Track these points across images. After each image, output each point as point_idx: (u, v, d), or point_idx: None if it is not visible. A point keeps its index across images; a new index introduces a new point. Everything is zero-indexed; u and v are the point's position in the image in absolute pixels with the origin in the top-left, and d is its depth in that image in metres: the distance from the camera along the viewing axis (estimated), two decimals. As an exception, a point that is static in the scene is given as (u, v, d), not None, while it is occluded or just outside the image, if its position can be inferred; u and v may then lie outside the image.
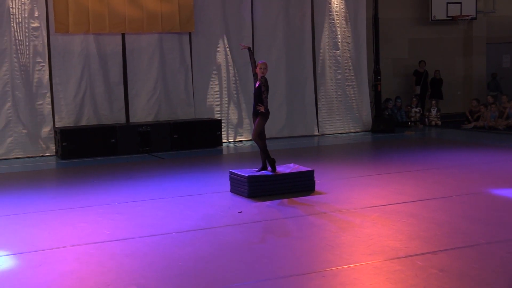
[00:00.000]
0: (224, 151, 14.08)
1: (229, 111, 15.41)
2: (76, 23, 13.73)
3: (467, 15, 18.87)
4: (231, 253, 6.13)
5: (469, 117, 17.34)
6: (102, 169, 11.88)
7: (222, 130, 14.79)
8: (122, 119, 14.51)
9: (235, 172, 8.96)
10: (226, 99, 15.39)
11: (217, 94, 15.31)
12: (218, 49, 15.24)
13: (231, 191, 9.01)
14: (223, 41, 15.27)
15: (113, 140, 13.56)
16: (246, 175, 8.65)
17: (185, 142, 14.13)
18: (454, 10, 18.73)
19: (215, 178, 10.21)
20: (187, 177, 10.51)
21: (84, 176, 11.02)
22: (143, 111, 14.69)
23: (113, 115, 14.42)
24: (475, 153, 12.57)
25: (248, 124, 15.53)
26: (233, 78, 15.43)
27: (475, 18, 19.17)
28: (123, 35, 14.46)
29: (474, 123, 16.92)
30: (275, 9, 15.77)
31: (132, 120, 14.59)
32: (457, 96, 19.84)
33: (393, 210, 7.70)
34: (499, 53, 20.54)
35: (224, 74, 15.32)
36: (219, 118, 14.99)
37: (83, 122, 14.12)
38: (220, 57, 15.28)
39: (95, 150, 13.40)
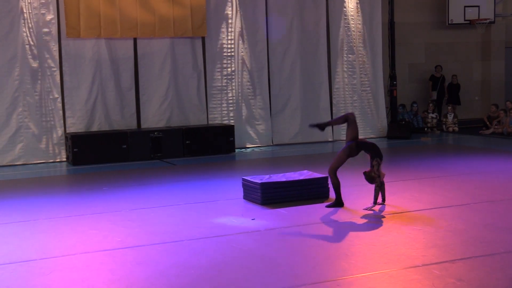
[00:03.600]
0: (237, 158, 13.98)
1: (243, 117, 15.29)
2: (87, 27, 13.70)
3: (485, 19, 18.63)
4: (244, 261, 6.06)
5: (487, 123, 17.12)
6: (114, 175, 11.81)
7: (235, 136, 14.65)
8: (134, 125, 14.45)
9: (248, 179, 8.85)
10: (240, 104, 15.27)
11: (230, 99, 15.20)
12: (232, 54, 15.14)
13: (244, 198, 8.91)
14: (237, 45, 15.17)
15: (125, 146, 13.50)
16: (259, 181, 8.54)
17: (197, 148, 14.04)
18: (471, 14, 18.51)
19: (228, 185, 10.11)
20: (199, 184, 10.42)
21: (95, 182, 10.96)
22: (155, 117, 14.62)
23: (124, 121, 14.37)
24: (493, 160, 12.37)
25: (262, 130, 15.40)
26: (247, 84, 15.32)
27: (494, 22, 18.93)
28: (134, 40, 14.41)
29: (493, 129, 16.69)
30: (290, 13, 15.66)
31: (144, 125, 14.52)
32: (474, 102, 19.62)
33: (409, 218, 7.57)
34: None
35: (237, 80, 15.22)
36: (232, 124, 14.87)
37: (95, 128, 14.07)
38: (234, 62, 15.18)
39: (107, 156, 13.33)
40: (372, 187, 8.31)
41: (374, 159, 8.09)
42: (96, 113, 14.10)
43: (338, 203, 8.26)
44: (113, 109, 14.25)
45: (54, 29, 13.71)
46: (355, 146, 8.17)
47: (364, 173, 8.15)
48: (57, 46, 13.76)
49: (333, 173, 8.18)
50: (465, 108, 18.99)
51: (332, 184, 8.23)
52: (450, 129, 17.51)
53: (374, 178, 8.08)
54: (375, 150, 8.14)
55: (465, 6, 18.46)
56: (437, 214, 7.73)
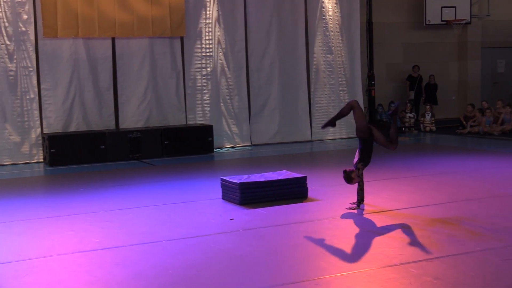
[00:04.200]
0: (216, 158, 13.95)
1: (221, 117, 15.27)
2: (65, 27, 13.59)
3: (462, 20, 18.83)
4: (223, 262, 6.03)
5: (464, 122, 17.27)
6: (91, 176, 11.73)
7: (214, 136, 14.63)
8: (112, 125, 14.37)
9: (227, 179, 8.84)
10: (219, 104, 15.25)
11: (209, 99, 15.17)
12: (210, 54, 15.11)
13: (223, 198, 8.89)
14: (216, 45, 15.14)
15: (103, 147, 13.42)
16: (238, 181, 8.53)
17: (176, 148, 14.00)
18: (448, 15, 18.69)
19: (207, 185, 10.08)
20: (178, 184, 10.39)
21: (72, 183, 10.87)
22: (133, 117, 14.55)
23: (102, 121, 14.29)
24: (470, 159, 12.48)
25: (241, 130, 15.39)
26: (226, 84, 15.31)
27: (470, 23, 19.14)
28: (113, 40, 14.33)
29: (470, 129, 16.84)
30: (269, 14, 15.67)
31: (122, 126, 14.44)
32: (451, 102, 19.78)
33: (388, 217, 7.61)
34: (494, 57, 20.49)
35: (216, 80, 15.19)
36: (211, 124, 14.84)
37: (72, 128, 13.97)
38: (212, 62, 15.15)
39: (84, 157, 13.24)
40: (352, 187, 8.34)
41: (359, 162, 8.11)
42: (73, 114, 14.00)
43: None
44: (91, 110, 14.16)
45: (30, 29, 13.59)
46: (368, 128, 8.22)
47: (344, 171, 8.17)
48: (33, 46, 13.63)
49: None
50: (442, 108, 19.15)
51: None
52: (428, 128, 17.63)
53: (352, 179, 8.10)
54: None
55: (442, 7, 18.64)
56: (415, 213, 7.78)
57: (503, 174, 10.37)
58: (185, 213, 8.18)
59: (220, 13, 15.18)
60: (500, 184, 9.46)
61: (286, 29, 15.91)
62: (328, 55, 16.42)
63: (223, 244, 6.66)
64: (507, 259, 5.81)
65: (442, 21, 18.77)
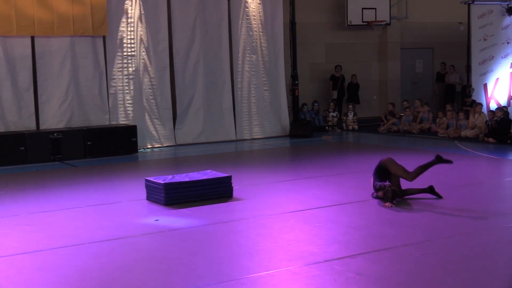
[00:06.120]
0: (140, 158, 13.80)
1: (145, 117, 15.10)
2: (-19, 25, 13.14)
3: (382, 21, 19.30)
4: (148, 263, 5.99)
5: (385, 121, 17.68)
6: (11, 178, 11.38)
7: (138, 136, 14.45)
8: (32, 126, 13.98)
9: (151, 179, 8.76)
10: (142, 104, 15.07)
11: (132, 99, 14.97)
12: (133, 53, 14.92)
13: (147, 199, 8.81)
14: (138, 45, 14.96)
15: (23, 148, 13.04)
16: (162, 182, 8.46)
17: (99, 149, 13.75)
18: (369, 16, 19.10)
19: (131, 186, 9.96)
20: (101, 186, 10.21)
21: (-9, 186, 10.52)
22: (55, 117, 14.20)
23: (22, 122, 13.88)
24: (391, 156, 12.75)
25: (165, 129, 15.27)
26: (149, 83, 15.14)
27: (389, 24, 19.62)
28: (32, 38, 13.94)
29: (388, 126, 17.24)
30: (192, 13, 15.60)
31: (43, 126, 14.07)
32: (373, 101, 20.23)
33: (312, 215, 7.71)
34: (412, 58, 21.09)
35: (139, 79, 15.01)
36: (135, 124, 14.65)
37: (-10, 129, 13.53)
38: (135, 62, 14.96)
39: (3, 159, 12.81)
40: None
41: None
42: (-9, 114, 13.55)
43: None
44: (10, 110, 13.73)
45: None
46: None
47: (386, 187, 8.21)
48: None
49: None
50: (364, 107, 19.55)
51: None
52: (350, 127, 17.96)
53: (382, 191, 8.20)
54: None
55: (362, 8, 19.02)
56: (339, 211, 7.91)
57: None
58: (109, 214, 8.06)
59: (142, 12, 14.99)
60: (418, 181, 9.71)
61: (210, 28, 15.88)
62: (252, 55, 16.49)
63: (148, 245, 6.61)
64: (427, 254, 5.99)
65: (363, 22, 19.16)
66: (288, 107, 17.21)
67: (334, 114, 18.10)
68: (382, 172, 8.39)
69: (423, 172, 8.41)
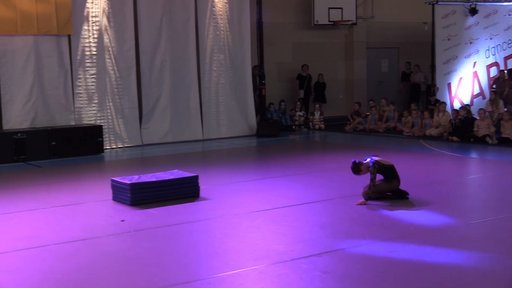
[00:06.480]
0: (106, 158, 13.68)
1: (111, 117, 14.96)
2: None
3: (348, 20, 19.44)
4: (114, 264, 5.95)
5: (351, 120, 17.80)
6: (-26, 179, 11.19)
7: (104, 136, 14.32)
8: (-5, 126, 13.78)
9: (117, 179, 8.70)
10: (108, 104, 14.94)
11: (98, 99, 14.81)
12: (98, 53, 14.77)
13: (114, 199, 8.74)
14: (104, 44, 14.81)
15: (-15, 149, 12.84)
16: (129, 182, 8.41)
17: (64, 149, 13.57)
18: (335, 15, 19.23)
19: (97, 187, 9.86)
20: (67, 186, 10.09)
21: (-47, 187, 10.33)
22: (18, 117, 13.98)
23: (-16, 122, 13.66)
24: (357, 155, 12.84)
25: (131, 129, 15.15)
26: (115, 83, 15.00)
27: (355, 23, 19.77)
28: (-6, 37, 13.73)
29: (354, 125, 17.35)
30: (159, 12, 15.49)
31: (6, 126, 13.84)
32: (339, 100, 20.35)
33: (279, 214, 7.73)
34: (378, 58, 21.28)
35: (105, 79, 14.87)
36: (101, 124, 14.51)
37: (-49, 130, 13.28)
38: (101, 61, 14.81)
39: (-35, 160, 12.62)
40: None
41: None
42: (-48, 115, 13.31)
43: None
44: (-29, 110, 13.51)
45: None
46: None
47: (354, 162, 8.32)
48: None
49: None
50: (330, 106, 19.65)
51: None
52: (317, 126, 18.04)
53: (360, 171, 8.25)
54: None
55: (329, 8, 19.14)
56: (305, 210, 7.95)
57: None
58: (74, 215, 7.98)
59: (108, 11, 14.85)
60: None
61: (177, 27, 15.80)
62: (219, 54, 16.45)
63: (114, 246, 6.56)
64: (392, 251, 6.05)
65: (329, 21, 19.27)
66: (255, 106, 17.20)
67: (301, 114, 18.17)
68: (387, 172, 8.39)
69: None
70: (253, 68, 17.49)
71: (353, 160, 8.38)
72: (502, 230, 6.88)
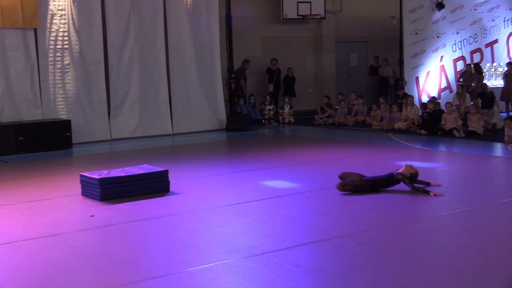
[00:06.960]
0: (75, 153, 13.55)
1: (80, 112, 14.81)
2: None
3: (317, 14, 19.52)
4: (83, 260, 5.91)
5: (320, 113, 17.86)
6: None
7: (72, 131, 14.17)
8: (-40, 121, 13.56)
9: (86, 174, 8.63)
10: (76, 98, 14.78)
11: (66, 93, 14.66)
12: (66, 46, 14.60)
13: (83, 195, 8.67)
14: (71, 38, 14.64)
15: (-50, 144, 12.63)
16: (98, 177, 8.34)
17: (32, 144, 13.41)
18: (304, 10, 19.28)
19: (65, 182, 9.76)
20: (35, 182, 9.96)
21: None
22: (-16, 113, 13.79)
23: None
24: (326, 149, 12.96)
25: (100, 124, 15.03)
26: (83, 77, 14.85)
27: (324, 18, 19.85)
28: (-42, 30, 13.49)
29: (324, 119, 17.42)
30: (127, 6, 15.37)
31: (-29, 122, 13.66)
32: (308, 94, 20.42)
33: (249, 208, 7.73)
34: (347, 52, 21.40)
35: (73, 73, 14.71)
36: (69, 119, 14.36)
37: None
38: (68, 55, 14.65)
39: None
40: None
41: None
42: None
43: None
44: None
45: None
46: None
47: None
48: None
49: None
50: (300, 100, 19.71)
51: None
52: (286, 120, 18.08)
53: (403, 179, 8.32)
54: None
55: (298, 2, 19.19)
56: (274, 203, 7.96)
57: (355, 163, 10.83)
58: (43, 211, 7.89)
59: (75, 4, 14.68)
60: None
61: (145, 22, 15.68)
62: (187, 48, 16.37)
63: (83, 242, 6.51)
64: (362, 244, 6.10)
65: (298, 15, 19.32)
66: (225, 100, 17.18)
67: (271, 107, 18.19)
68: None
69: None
70: (243, 62, 17.65)
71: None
72: (471, 221, 6.99)
